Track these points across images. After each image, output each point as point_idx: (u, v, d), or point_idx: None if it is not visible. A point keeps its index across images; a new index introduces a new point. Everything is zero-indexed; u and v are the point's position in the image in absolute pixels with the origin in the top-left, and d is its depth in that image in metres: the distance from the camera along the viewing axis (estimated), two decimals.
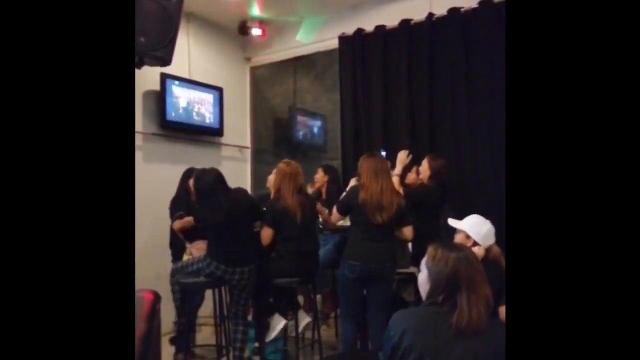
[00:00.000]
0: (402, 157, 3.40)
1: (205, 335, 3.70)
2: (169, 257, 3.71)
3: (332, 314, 4.06)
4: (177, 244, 3.62)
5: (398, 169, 3.35)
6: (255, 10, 4.68)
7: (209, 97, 4.75)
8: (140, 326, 1.46)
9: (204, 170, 3.15)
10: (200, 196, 3.11)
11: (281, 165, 3.26)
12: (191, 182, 3.38)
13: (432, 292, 1.60)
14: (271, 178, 3.62)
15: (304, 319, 3.39)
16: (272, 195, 3.28)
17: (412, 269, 3.11)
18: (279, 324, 3.30)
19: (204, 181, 3.07)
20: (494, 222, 2.71)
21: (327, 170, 4.07)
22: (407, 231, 3.05)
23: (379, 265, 2.89)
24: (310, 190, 3.85)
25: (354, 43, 4.46)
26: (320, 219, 3.38)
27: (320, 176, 4.04)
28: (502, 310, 2.25)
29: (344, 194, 3.26)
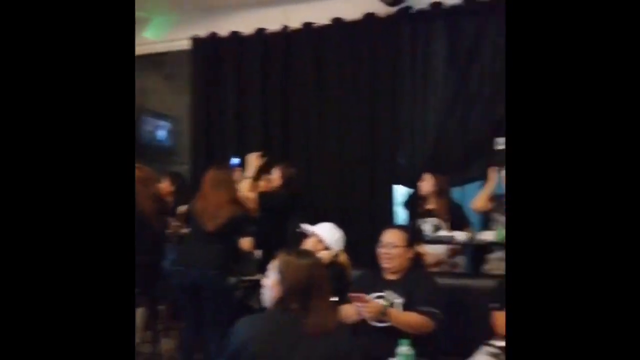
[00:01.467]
0: (252, 159, 3.40)
1: None
2: None
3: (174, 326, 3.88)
4: None
5: (250, 172, 3.34)
6: None
7: None
8: None
9: None
10: None
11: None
12: None
13: (285, 299, 1.60)
14: None
15: None
16: None
17: (258, 276, 3.09)
18: None
19: None
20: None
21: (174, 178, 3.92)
22: (244, 242, 3.04)
23: (203, 271, 2.85)
24: None
25: (207, 46, 4.36)
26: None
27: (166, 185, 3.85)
28: (344, 308, 2.35)
29: None
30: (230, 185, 3.03)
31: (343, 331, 1.75)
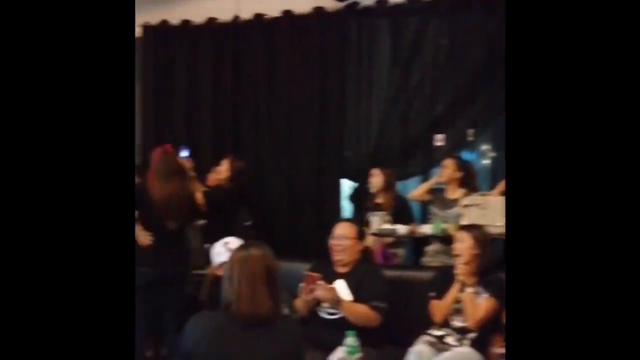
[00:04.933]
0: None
1: None
2: None
3: None
4: None
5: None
6: None
7: None
8: None
9: None
10: None
11: None
12: None
13: (235, 292, 1.60)
14: None
15: None
16: None
17: (206, 270, 3.13)
18: None
19: None
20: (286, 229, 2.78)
21: None
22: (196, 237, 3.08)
23: (172, 269, 2.83)
24: None
25: (158, 34, 4.31)
26: None
27: None
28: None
29: None
30: (183, 175, 2.93)
31: (291, 323, 1.83)
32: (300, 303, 2.49)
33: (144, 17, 4.33)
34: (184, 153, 3.54)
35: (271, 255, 1.69)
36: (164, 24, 4.31)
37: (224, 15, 4.19)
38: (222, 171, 3.39)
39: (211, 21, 4.21)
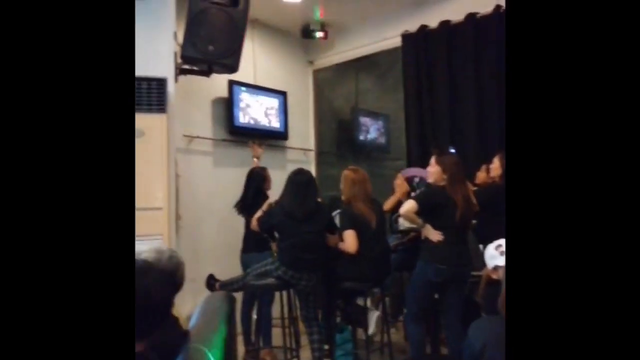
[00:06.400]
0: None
1: (273, 336, 3.73)
2: (238, 257, 3.74)
3: (401, 317, 4.01)
4: (251, 237, 3.59)
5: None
6: (318, 14, 4.71)
7: (274, 102, 4.82)
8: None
9: (301, 169, 3.34)
10: (295, 189, 3.16)
11: (348, 172, 3.28)
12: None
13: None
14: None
15: (374, 315, 3.42)
16: (344, 202, 3.29)
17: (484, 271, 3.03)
18: (373, 316, 3.41)
19: (302, 176, 3.22)
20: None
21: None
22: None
23: (461, 268, 2.89)
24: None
25: (417, 40, 4.38)
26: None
27: (400, 181, 4.02)
28: None
29: (423, 190, 3.25)
30: (466, 177, 3.03)
31: None
32: None
33: (404, 26, 4.48)
34: (452, 152, 3.53)
35: None
36: (423, 29, 4.36)
37: (485, 8, 4.02)
38: (494, 169, 3.24)
39: (471, 17, 4.09)
